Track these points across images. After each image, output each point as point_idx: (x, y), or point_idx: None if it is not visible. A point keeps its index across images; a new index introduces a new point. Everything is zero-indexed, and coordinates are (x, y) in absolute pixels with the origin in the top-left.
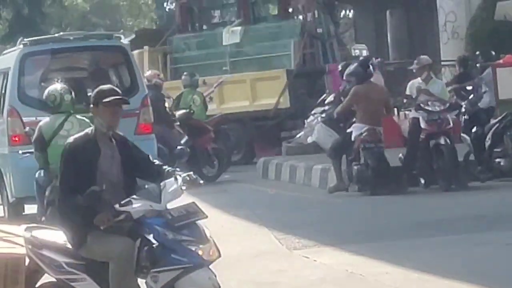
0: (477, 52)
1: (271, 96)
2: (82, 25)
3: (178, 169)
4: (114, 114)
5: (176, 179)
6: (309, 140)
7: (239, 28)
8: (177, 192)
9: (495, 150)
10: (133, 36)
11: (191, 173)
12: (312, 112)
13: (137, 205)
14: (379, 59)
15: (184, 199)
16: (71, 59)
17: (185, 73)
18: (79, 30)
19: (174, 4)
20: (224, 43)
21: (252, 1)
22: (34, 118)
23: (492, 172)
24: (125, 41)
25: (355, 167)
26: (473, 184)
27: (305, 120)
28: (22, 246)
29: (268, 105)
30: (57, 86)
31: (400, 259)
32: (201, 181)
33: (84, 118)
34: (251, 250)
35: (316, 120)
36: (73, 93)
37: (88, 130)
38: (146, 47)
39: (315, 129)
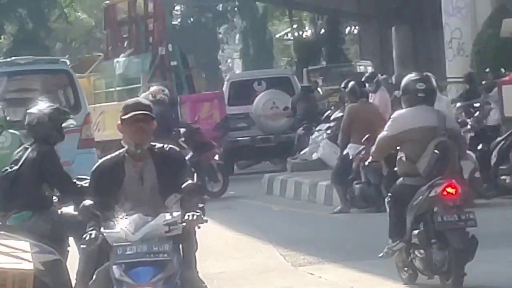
0: (487, 69)
1: None
2: (87, 40)
3: (199, 203)
4: (138, 131)
5: (171, 214)
6: (314, 156)
7: (122, 59)
8: (158, 229)
9: (501, 167)
10: (75, 63)
11: (197, 213)
12: (317, 128)
13: (114, 230)
14: (384, 76)
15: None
16: (23, 81)
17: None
18: (84, 44)
19: (178, 20)
20: (116, 73)
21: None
22: None
23: (498, 190)
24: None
25: (357, 186)
26: (479, 202)
27: (310, 137)
28: (30, 261)
29: None
30: None
31: None
32: (205, 218)
33: (16, 132)
34: (256, 267)
35: (322, 137)
36: (5, 111)
37: (122, 149)
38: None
39: (320, 145)
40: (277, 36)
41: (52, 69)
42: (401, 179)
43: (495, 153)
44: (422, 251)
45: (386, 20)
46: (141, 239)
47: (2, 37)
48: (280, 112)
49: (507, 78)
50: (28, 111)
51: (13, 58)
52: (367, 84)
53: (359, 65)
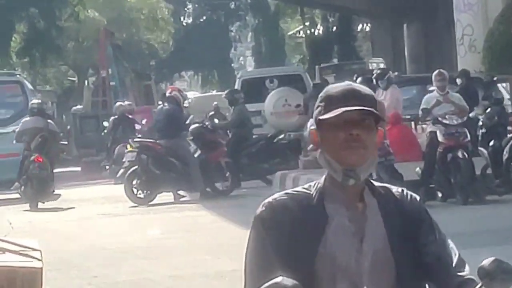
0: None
1: None
2: (98, 39)
3: None
4: (352, 144)
5: None
6: None
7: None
8: None
9: None
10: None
11: None
12: None
13: None
14: (396, 73)
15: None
16: None
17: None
18: (95, 43)
19: (191, 18)
20: None
21: None
22: None
23: (509, 186)
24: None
25: None
26: (491, 198)
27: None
28: (39, 260)
29: None
30: None
31: None
32: None
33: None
34: None
35: None
36: None
37: (314, 182)
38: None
39: None
40: (289, 33)
41: (8, 80)
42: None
43: (507, 149)
44: None
45: (398, 17)
46: None
47: (14, 36)
48: (292, 110)
49: None
50: None
51: None
52: (379, 81)
53: (371, 62)
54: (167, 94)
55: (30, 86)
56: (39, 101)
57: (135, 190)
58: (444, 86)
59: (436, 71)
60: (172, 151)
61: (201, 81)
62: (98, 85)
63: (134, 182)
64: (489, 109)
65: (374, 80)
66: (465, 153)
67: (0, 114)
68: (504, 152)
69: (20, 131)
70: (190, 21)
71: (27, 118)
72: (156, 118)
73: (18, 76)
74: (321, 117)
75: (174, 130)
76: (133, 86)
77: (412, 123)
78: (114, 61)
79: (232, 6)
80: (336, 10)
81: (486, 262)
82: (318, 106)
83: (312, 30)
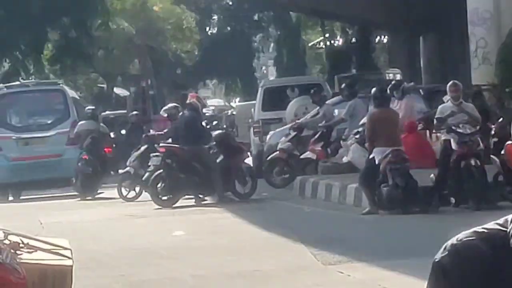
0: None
1: None
2: (127, 48)
3: None
4: None
5: None
6: (344, 159)
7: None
8: None
9: None
10: None
11: None
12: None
13: None
14: (411, 83)
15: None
16: (30, 97)
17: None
18: (125, 52)
19: (216, 29)
20: None
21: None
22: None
23: None
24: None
25: (385, 189)
26: (502, 204)
27: (341, 141)
28: (70, 258)
29: None
30: None
31: None
32: None
33: None
34: (287, 265)
35: (351, 141)
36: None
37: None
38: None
39: (350, 149)
40: (309, 44)
41: (52, 89)
42: None
43: None
44: None
45: (414, 30)
46: None
47: (46, 44)
48: None
49: None
50: None
51: (23, 81)
52: (393, 92)
53: (388, 73)
54: (187, 102)
55: (71, 94)
56: (93, 107)
57: (159, 193)
58: (458, 96)
59: (451, 82)
60: (195, 156)
61: (224, 89)
62: (139, 94)
63: (159, 185)
64: (501, 119)
65: (389, 91)
66: (477, 161)
67: (44, 119)
68: None
69: (76, 132)
70: (215, 31)
71: (83, 122)
72: (177, 125)
73: (60, 85)
74: None
75: (194, 136)
76: (171, 95)
77: (427, 131)
78: (153, 74)
79: (256, 18)
80: (355, 23)
81: None
82: None
83: (332, 42)
